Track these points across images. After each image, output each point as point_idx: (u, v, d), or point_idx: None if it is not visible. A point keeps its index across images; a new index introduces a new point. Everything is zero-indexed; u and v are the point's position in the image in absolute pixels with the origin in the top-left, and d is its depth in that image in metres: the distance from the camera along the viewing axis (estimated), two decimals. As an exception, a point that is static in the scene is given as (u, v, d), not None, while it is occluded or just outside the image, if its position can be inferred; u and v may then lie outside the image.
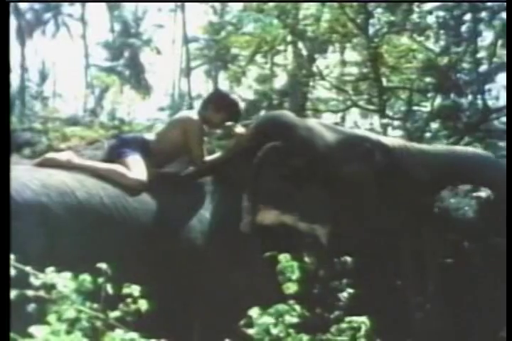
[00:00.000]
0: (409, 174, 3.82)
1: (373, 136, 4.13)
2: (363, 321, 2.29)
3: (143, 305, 1.96)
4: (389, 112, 7.86)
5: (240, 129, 3.93)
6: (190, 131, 3.83)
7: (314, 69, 9.93)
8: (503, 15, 7.24)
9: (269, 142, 3.64)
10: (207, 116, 3.95)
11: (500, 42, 7.65)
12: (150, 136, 3.92)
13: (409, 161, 3.88)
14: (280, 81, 18.05)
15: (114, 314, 1.94)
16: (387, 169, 3.80)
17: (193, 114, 3.93)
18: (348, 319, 2.33)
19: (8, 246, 2.22)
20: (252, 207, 3.48)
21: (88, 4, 36.86)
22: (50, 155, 3.62)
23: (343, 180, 3.70)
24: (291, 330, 2.05)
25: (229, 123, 3.96)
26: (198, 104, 4.09)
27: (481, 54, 7.41)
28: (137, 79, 39.68)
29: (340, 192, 3.66)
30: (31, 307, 1.87)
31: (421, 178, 3.83)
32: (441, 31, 7.91)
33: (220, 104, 3.97)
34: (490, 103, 7.19)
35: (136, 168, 3.55)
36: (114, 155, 3.72)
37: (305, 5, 9.36)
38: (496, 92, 10.56)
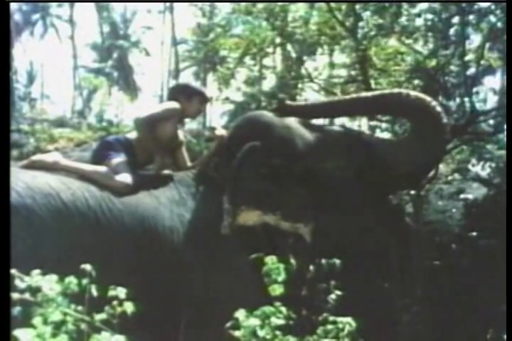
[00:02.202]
0: (389, 167, 3.83)
1: (353, 130, 4.16)
2: (348, 322, 2.30)
3: (129, 307, 1.95)
4: (377, 114, 7.85)
5: (220, 131, 3.96)
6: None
7: (303, 71, 9.91)
8: (491, 18, 7.28)
9: (249, 143, 3.65)
10: (183, 109, 4.03)
11: (487, 45, 7.67)
12: (132, 135, 3.93)
13: (388, 155, 3.89)
14: (269, 83, 18.03)
15: (100, 316, 1.93)
16: (368, 163, 3.81)
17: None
18: (332, 319, 2.34)
19: (8, 246, 2.21)
20: (233, 208, 3.48)
21: (77, 6, 36.71)
22: (37, 156, 3.61)
23: (323, 178, 3.71)
24: (277, 332, 2.05)
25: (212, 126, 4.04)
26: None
27: (469, 57, 7.42)
28: (125, 80, 39.60)
29: (321, 190, 3.67)
30: (16, 310, 1.85)
31: (400, 171, 3.85)
32: (430, 34, 7.92)
33: (188, 93, 4.08)
34: (477, 106, 7.19)
35: (121, 170, 3.56)
36: (99, 158, 3.72)
37: (294, 7, 9.35)
38: (483, 95, 10.60)
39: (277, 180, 3.60)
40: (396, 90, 3.99)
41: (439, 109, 3.86)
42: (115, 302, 1.96)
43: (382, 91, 3.98)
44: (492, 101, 10.82)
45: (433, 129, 3.84)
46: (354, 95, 4.09)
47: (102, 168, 3.54)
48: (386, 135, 8.34)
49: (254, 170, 3.60)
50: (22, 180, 3.11)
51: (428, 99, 3.86)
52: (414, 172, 3.98)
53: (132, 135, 3.92)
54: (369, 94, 4.04)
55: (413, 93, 3.85)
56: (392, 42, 8.42)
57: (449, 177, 7.75)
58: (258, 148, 3.64)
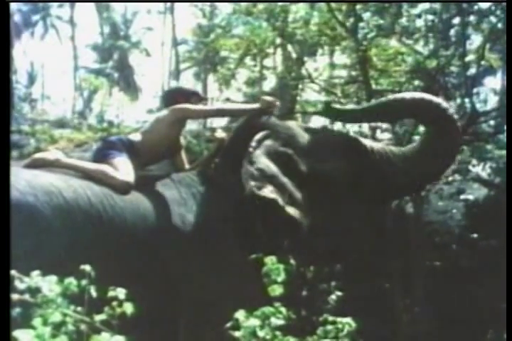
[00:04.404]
0: (384, 177, 3.90)
1: (351, 136, 4.21)
2: (347, 322, 2.30)
3: (128, 308, 1.95)
4: (377, 115, 7.83)
5: (220, 134, 4.00)
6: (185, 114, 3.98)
7: (303, 71, 9.92)
8: (492, 18, 7.29)
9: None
10: None
11: (488, 45, 7.69)
12: (135, 137, 3.94)
13: (385, 164, 3.95)
14: (269, 84, 18.07)
15: (100, 317, 1.93)
16: (363, 170, 3.87)
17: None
18: (332, 319, 2.34)
19: (8, 246, 2.21)
20: (254, 175, 3.51)
21: (77, 6, 36.69)
22: (39, 155, 3.61)
23: (321, 178, 3.75)
24: (277, 333, 2.05)
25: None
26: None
27: (469, 57, 7.43)
28: (126, 81, 39.54)
29: (317, 189, 3.72)
30: (16, 311, 1.85)
31: (398, 182, 3.92)
32: (430, 34, 7.94)
33: (185, 94, 4.16)
34: (478, 106, 7.22)
35: (123, 169, 3.56)
36: (101, 157, 3.72)
37: (294, 8, 9.36)
38: (484, 96, 10.62)
39: (286, 169, 3.68)
40: (419, 94, 4.01)
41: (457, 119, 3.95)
42: (115, 303, 1.96)
43: (405, 95, 4.00)
44: (492, 101, 10.82)
45: (450, 140, 3.91)
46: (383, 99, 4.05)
47: (103, 167, 3.55)
48: (386, 135, 8.34)
49: (268, 153, 3.67)
50: (23, 178, 3.11)
51: (450, 109, 3.93)
52: (412, 184, 4.07)
53: (135, 137, 3.92)
54: (391, 97, 4.02)
55: (435, 100, 3.89)
56: (393, 42, 8.43)
57: (450, 178, 7.76)
58: (272, 137, 3.74)
